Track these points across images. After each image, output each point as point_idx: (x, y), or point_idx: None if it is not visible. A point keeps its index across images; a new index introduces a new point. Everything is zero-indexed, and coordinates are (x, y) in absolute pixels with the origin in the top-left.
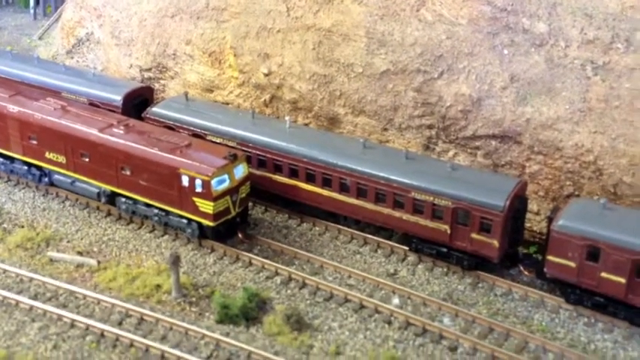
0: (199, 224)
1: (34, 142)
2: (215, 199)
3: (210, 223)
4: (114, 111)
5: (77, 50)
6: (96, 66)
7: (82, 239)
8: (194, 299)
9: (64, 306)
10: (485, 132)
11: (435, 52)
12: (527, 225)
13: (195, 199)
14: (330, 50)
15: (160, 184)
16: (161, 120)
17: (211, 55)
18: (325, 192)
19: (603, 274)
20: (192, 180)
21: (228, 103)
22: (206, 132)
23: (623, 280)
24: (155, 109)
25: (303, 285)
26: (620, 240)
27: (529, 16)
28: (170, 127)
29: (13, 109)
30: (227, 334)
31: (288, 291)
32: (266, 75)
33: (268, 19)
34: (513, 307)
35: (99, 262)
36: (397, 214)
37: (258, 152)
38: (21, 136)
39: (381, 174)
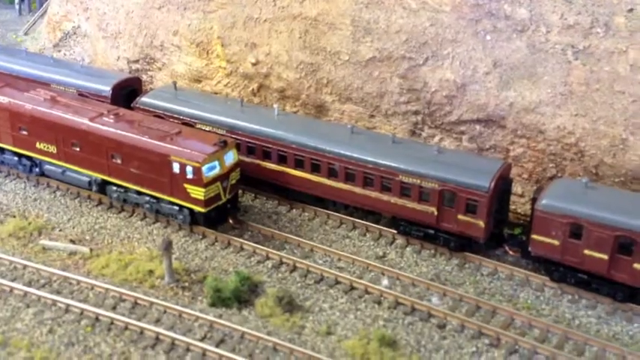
0: (191, 211)
1: (25, 132)
2: (206, 185)
3: (202, 209)
4: (103, 101)
5: (64, 44)
6: (83, 59)
7: (74, 228)
8: (187, 284)
9: (58, 292)
10: (469, 117)
11: (419, 39)
12: (512, 207)
13: (186, 185)
14: (316, 39)
15: (150, 171)
16: (150, 110)
17: (199, 46)
18: (314, 177)
19: (586, 251)
20: (182, 167)
21: (216, 93)
22: (195, 120)
23: (605, 257)
24: (144, 98)
25: (294, 268)
26: (601, 217)
27: (510, 2)
28: (159, 117)
29: (2, 100)
30: (220, 316)
31: (279, 274)
32: (253, 64)
33: (255, 9)
34: (499, 286)
35: (91, 250)
36: (385, 197)
37: (247, 140)
38: (11, 126)
39: (369, 158)
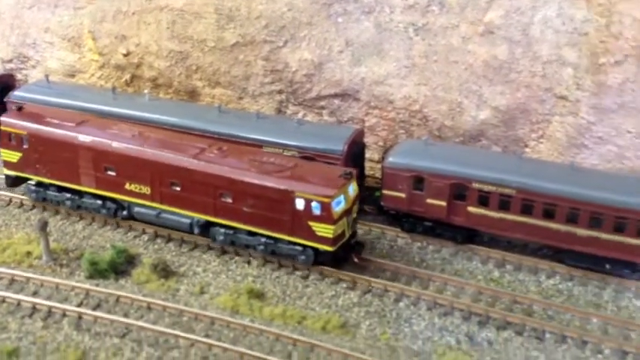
0: (315, 250)
1: (111, 173)
2: (335, 221)
3: (329, 248)
4: None
5: None
6: None
7: None
8: (65, 262)
9: None
10: (327, 92)
11: (278, 23)
12: (371, 172)
13: (311, 223)
14: (183, 28)
15: (267, 209)
16: (24, 103)
17: (70, 41)
18: None
19: (428, 200)
20: (308, 203)
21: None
22: (69, 110)
23: (444, 204)
24: (17, 92)
25: (170, 239)
26: (438, 169)
27: None
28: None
29: (85, 139)
30: (97, 286)
31: (155, 246)
32: (125, 55)
33: (123, 3)
34: None
35: None
36: None
37: None
38: (94, 167)
39: (236, 133)
